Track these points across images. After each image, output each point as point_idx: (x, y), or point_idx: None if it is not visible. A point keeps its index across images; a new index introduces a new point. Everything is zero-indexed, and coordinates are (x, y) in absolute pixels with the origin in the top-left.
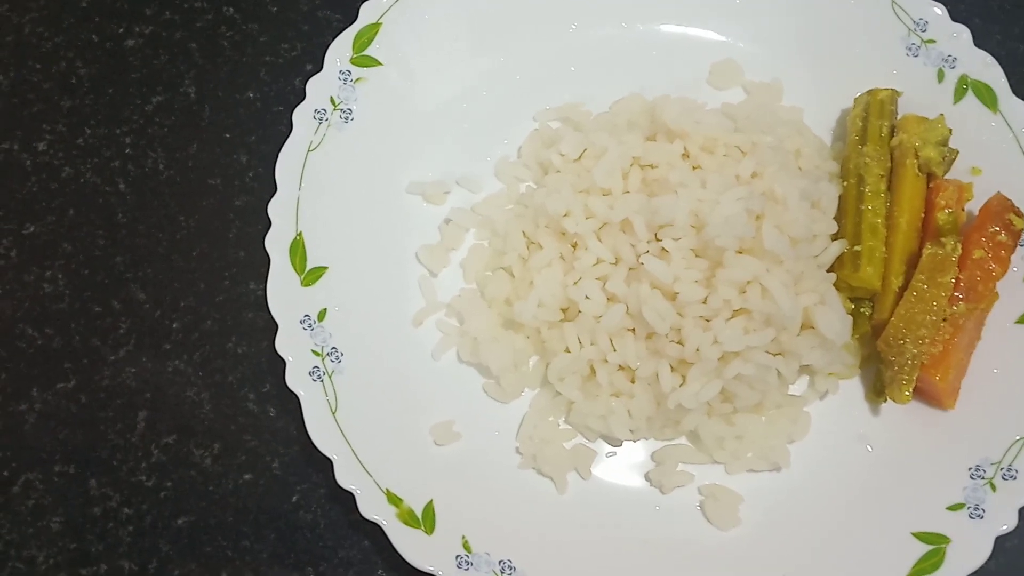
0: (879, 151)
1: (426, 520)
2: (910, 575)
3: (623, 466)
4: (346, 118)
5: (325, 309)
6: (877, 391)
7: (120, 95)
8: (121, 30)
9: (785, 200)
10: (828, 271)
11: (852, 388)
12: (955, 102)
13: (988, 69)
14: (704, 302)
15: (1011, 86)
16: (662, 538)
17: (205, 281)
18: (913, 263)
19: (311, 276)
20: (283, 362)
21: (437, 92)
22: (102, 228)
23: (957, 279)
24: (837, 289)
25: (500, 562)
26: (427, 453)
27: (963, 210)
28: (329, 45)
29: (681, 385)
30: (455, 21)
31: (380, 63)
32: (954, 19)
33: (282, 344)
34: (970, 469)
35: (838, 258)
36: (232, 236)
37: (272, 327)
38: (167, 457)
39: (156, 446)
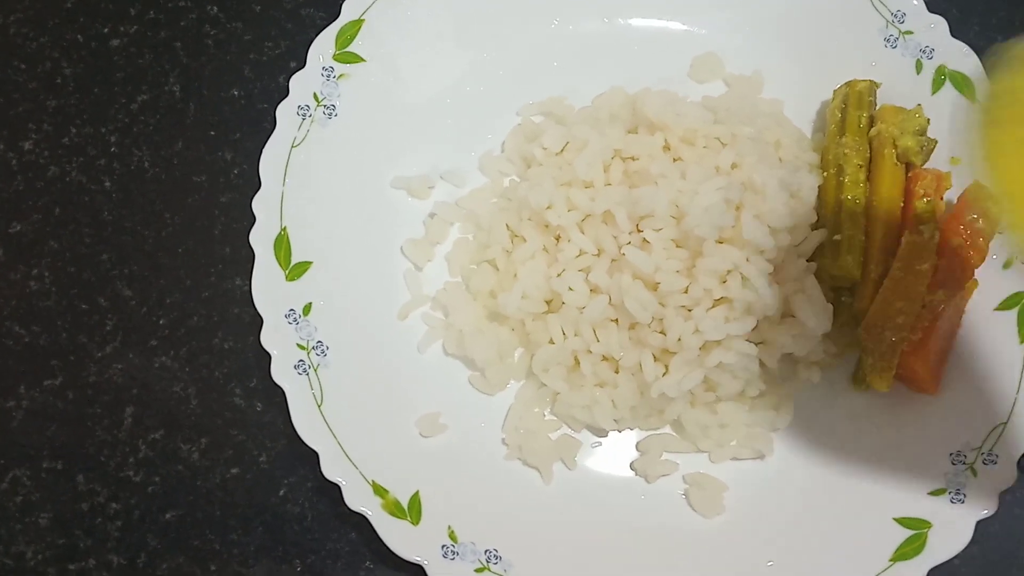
0: (858, 141)
1: (412, 511)
2: (892, 560)
3: (608, 456)
4: (330, 114)
5: (310, 303)
6: (858, 379)
7: (105, 94)
8: (106, 30)
9: (764, 190)
10: (808, 260)
11: (834, 376)
12: (933, 92)
13: (965, 59)
14: (685, 291)
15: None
16: (647, 526)
17: (191, 277)
18: (892, 252)
19: (296, 271)
20: (269, 357)
21: (421, 87)
22: (88, 226)
23: (936, 267)
24: (818, 278)
25: (486, 551)
26: (413, 445)
27: (941, 199)
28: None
29: (664, 374)
30: (438, 17)
31: (363, 59)
32: (931, 10)
33: (267, 338)
34: (951, 455)
35: (818, 247)
36: (218, 232)
37: (258, 322)
38: (154, 452)
39: (143, 441)
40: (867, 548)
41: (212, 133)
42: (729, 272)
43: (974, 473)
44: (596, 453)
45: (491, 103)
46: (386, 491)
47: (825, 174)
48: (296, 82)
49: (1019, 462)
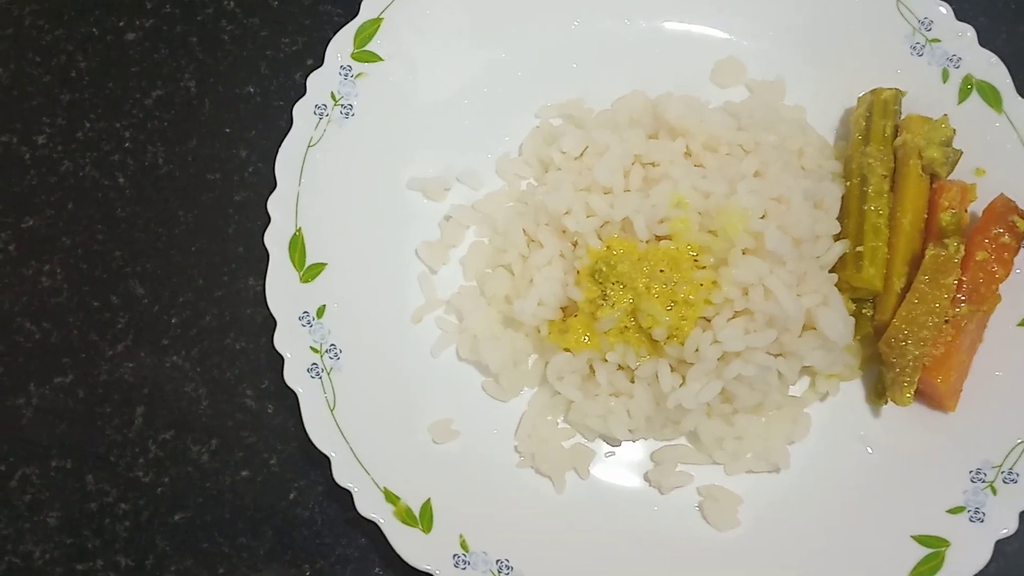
0: (882, 151)
1: (424, 518)
2: None
3: (622, 466)
4: (346, 114)
5: (324, 306)
6: (878, 393)
7: (120, 89)
8: (121, 23)
9: (788, 200)
10: (830, 272)
11: (853, 389)
12: (959, 102)
13: (993, 69)
14: (706, 302)
15: (1016, 86)
16: (660, 538)
17: (204, 276)
18: (916, 264)
19: (310, 272)
20: (282, 358)
21: (438, 88)
22: (101, 222)
23: (960, 281)
24: (839, 290)
25: (498, 561)
26: (425, 451)
27: (966, 211)
28: (330, 40)
29: (681, 385)
30: (457, 17)
31: (381, 58)
32: (959, 18)
33: (281, 340)
34: (971, 472)
35: (840, 259)
36: (231, 231)
37: (271, 323)
38: (164, 453)
39: (153, 442)
40: (884, 566)
41: (227, 130)
42: (751, 284)
43: (994, 491)
44: (610, 463)
45: (509, 104)
46: (398, 498)
47: (848, 183)
48: (313, 81)
49: None
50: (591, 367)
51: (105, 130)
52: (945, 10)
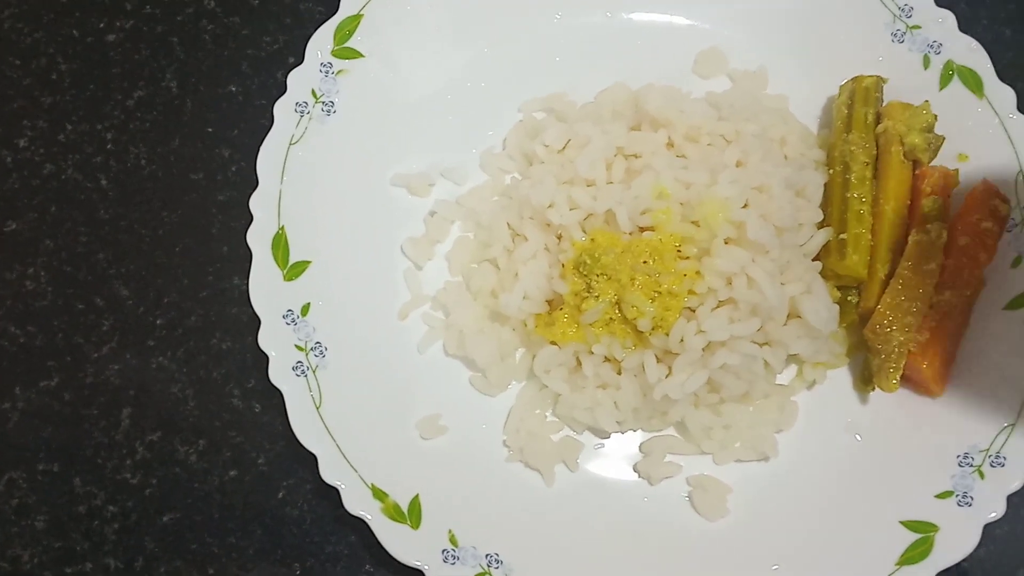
0: (864, 138)
1: (412, 514)
2: (898, 563)
3: (611, 458)
4: (328, 111)
5: (308, 303)
6: (865, 380)
7: (101, 90)
8: (102, 25)
9: (770, 189)
10: (814, 260)
11: (840, 377)
12: (941, 88)
13: (973, 54)
14: (689, 292)
15: (997, 71)
16: (651, 529)
17: (188, 276)
18: (899, 251)
19: (294, 270)
20: (267, 357)
21: (421, 83)
22: (84, 224)
23: (943, 266)
24: (823, 278)
25: (487, 555)
26: (413, 447)
27: (949, 197)
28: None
29: (667, 376)
30: (438, 12)
31: (362, 55)
32: (939, 4)
33: (265, 339)
34: (958, 456)
35: (824, 246)
36: (215, 231)
37: (257, 322)
38: (152, 454)
39: (141, 443)
40: (873, 551)
41: (209, 130)
42: (734, 273)
43: (981, 475)
44: (598, 455)
45: (492, 99)
46: (386, 495)
47: (831, 171)
48: (294, 78)
49: None
50: (578, 360)
51: (87, 132)
52: None
